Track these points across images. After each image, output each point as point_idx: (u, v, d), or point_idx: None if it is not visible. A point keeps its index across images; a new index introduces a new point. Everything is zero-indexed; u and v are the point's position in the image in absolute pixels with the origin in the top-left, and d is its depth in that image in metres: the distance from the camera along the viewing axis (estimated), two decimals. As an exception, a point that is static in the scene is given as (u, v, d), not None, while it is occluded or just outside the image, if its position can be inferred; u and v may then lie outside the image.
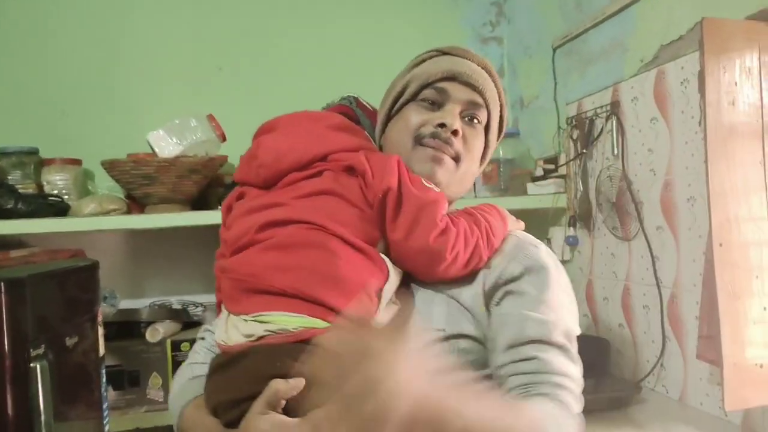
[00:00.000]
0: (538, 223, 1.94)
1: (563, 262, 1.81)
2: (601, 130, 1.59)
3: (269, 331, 0.70)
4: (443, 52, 0.89)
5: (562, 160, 1.77)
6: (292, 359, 0.65)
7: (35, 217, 1.52)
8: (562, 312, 0.78)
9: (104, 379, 1.09)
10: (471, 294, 0.79)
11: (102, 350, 1.10)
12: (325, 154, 0.81)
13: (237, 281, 0.75)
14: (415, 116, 0.84)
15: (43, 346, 1.06)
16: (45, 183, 1.72)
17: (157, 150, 1.63)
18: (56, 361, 1.03)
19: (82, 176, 1.80)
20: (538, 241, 0.85)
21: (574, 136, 1.71)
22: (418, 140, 0.83)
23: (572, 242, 1.74)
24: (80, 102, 1.88)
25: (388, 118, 0.89)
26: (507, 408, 0.67)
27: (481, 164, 0.91)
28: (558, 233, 1.80)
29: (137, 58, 1.93)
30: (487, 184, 1.93)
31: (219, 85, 1.97)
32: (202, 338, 0.97)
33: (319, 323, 0.69)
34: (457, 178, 0.84)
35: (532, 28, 2.03)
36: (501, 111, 0.90)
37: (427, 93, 0.85)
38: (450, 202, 0.85)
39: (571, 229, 1.74)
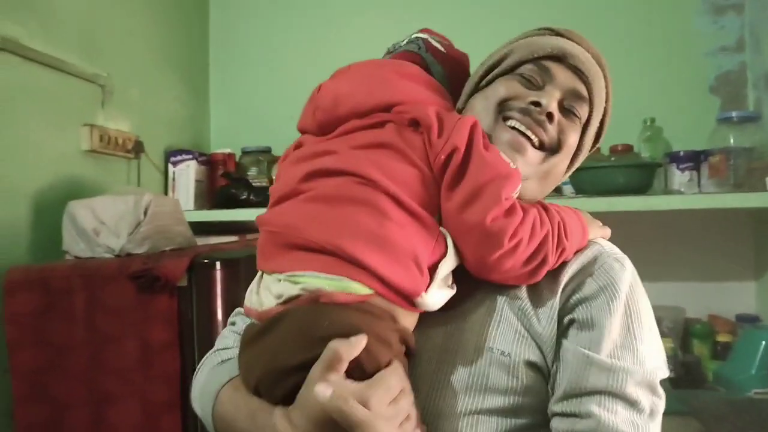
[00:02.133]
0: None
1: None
2: None
3: (305, 290, 0.60)
4: (556, 33, 0.75)
5: (816, 148, 1.44)
6: (341, 318, 0.58)
7: (263, 207, 1.78)
8: (641, 353, 0.63)
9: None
10: (545, 315, 0.67)
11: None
12: (389, 103, 0.68)
13: (272, 234, 0.65)
14: (505, 88, 0.70)
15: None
16: (275, 177, 2.00)
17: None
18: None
19: (304, 171, 2.05)
20: (624, 255, 0.71)
21: (834, 119, 1.37)
22: (503, 113, 0.69)
23: (827, 250, 1.40)
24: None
25: (476, 89, 0.75)
26: None
27: (569, 168, 0.75)
28: (808, 238, 1.47)
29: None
30: (713, 178, 1.66)
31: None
32: (233, 323, 0.85)
33: (359, 288, 0.59)
34: (540, 173, 0.70)
35: (781, -11, 1.68)
36: (604, 115, 0.76)
37: (527, 69, 0.71)
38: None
39: (826, 233, 1.40)
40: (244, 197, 1.77)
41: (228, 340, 0.81)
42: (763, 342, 1.50)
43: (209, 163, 1.97)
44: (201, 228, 1.69)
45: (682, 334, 1.76)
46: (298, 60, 2.18)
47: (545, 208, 0.67)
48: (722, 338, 1.73)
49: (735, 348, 1.60)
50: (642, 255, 1.89)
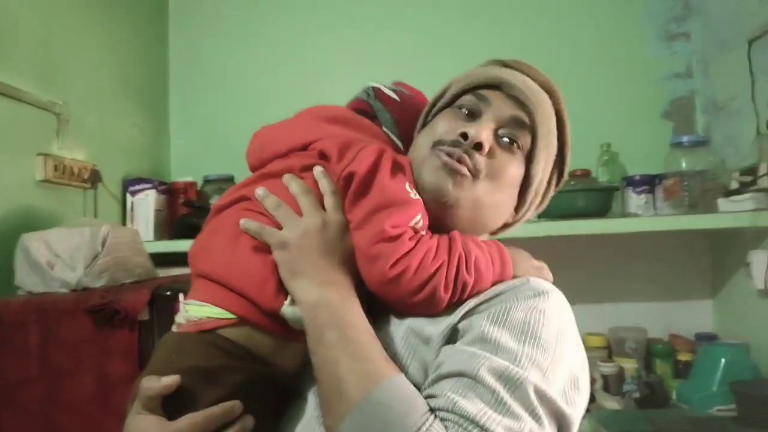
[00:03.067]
0: (733, 245, 1.68)
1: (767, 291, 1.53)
2: (813, 133, 1.32)
3: (184, 318, 0.66)
4: (504, 64, 0.76)
5: (764, 170, 1.50)
6: (183, 352, 0.63)
7: (227, 236, 1.74)
8: (521, 362, 0.57)
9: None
10: (436, 330, 0.63)
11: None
12: (304, 143, 0.73)
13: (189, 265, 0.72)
14: (443, 123, 0.72)
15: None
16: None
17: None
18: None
19: (268, 199, 2.02)
20: (554, 290, 0.65)
21: (778, 143, 1.44)
22: (436, 146, 0.70)
23: (778, 268, 1.46)
24: (267, 133, 2.13)
25: (423, 125, 0.77)
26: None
27: (519, 203, 0.74)
28: (760, 258, 1.52)
29: (314, 97, 2.12)
30: (669, 201, 1.72)
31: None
32: None
33: (221, 313, 0.63)
34: (471, 201, 0.69)
35: (726, 19, 1.77)
36: (563, 149, 0.75)
37: (465, 99, 0.72)
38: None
39: (777, 252, 1.46)
40: (206, 226, 1.74)
41: None
42: (723, 359, 1.53)
43: (169, 192, 1.92)
44: (162, 259, 1.64)
45: (645, 354, 1.79)
46: (261, 85, 2.17)
47: (453, 241, 0.65)
48: (683, 357, 1.76)
49: (695, 366, 1.64)
50: (603, 276, 1.95)
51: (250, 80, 2.19)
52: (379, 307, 0.67)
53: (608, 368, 1.74)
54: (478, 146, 0.68)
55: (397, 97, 0.81)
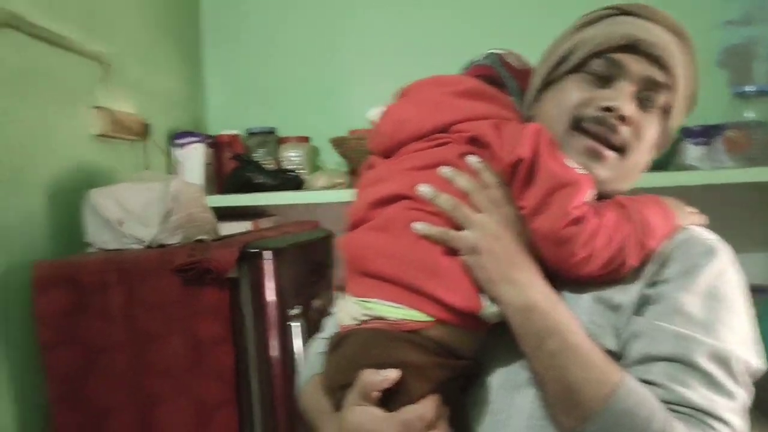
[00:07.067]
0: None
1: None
2: None
3: (368, 316, 0.65)
4: (622, 11, 0.71)
5: (840, 120, 1.47)
6: (390, 348, 0.62)
7: (278, 191, 1.70)
8: (719, 333, 0.61)
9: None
10: (626, 299, 0.65)
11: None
12: (446, 124, 0.69)
13: (347, 261, 0.71)
14: (575, 92, 0.68)
15: (297, 307, 1.19)
16: (282, 159, 1.92)
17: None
18: (306, 321, 1.16)
19: (311, 152, 1.97)
20: (717, 241, 0.67)
21: None
22: (577, 123, 0.68)
23: None
24: (308, 87, 2.06)
25: (544, 85, 0.73)
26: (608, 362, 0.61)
27: (657, 152, 0.75)
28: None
29: (354, 50, 2.06)
30: (732, 153, 1.68)
31: (420, 67, 1.99)
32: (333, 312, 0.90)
33: (419, 316, 0.63)
34: (621, 174, 0.69)
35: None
36: (693, 87, 0.74)
37: (596, 64, 0.68)
38: (607, 197, 0.70)
39: None
40: (259, 181, 1.69)
41: (327, 330, 0.88)
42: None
43: (215, 145, 1.87)
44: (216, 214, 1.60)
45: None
46: (300, 40, 2.08)
47: (625, 208, 0.65)
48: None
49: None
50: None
51: (290, 27, 2.09)
52: (552, 277, 0.67)
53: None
54: (623, 118, 0.67)
55: (518, 65, 0.79)
